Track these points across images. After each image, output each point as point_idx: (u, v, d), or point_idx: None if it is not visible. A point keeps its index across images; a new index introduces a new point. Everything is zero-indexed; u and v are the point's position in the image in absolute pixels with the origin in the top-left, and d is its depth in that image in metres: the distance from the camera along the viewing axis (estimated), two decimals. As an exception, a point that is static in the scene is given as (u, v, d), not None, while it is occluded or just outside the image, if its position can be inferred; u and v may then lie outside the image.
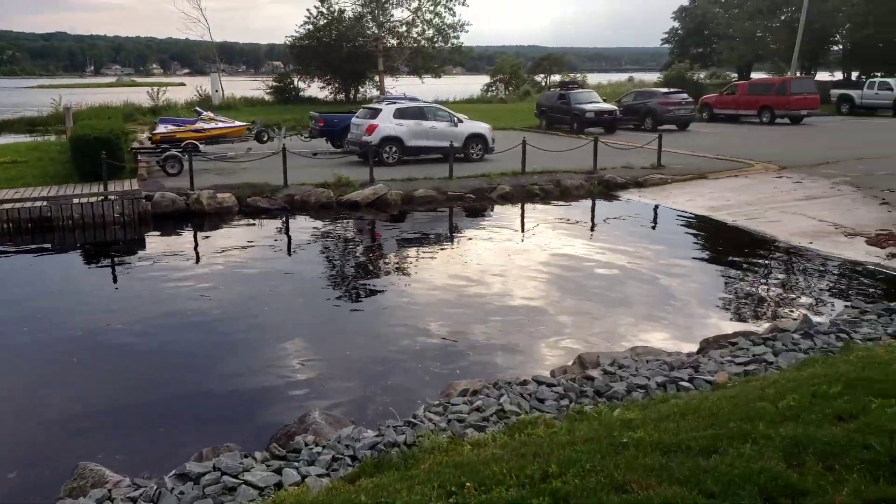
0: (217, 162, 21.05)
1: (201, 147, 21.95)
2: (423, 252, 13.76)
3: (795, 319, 7.65)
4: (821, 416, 3.68)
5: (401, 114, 21.72)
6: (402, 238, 15.04)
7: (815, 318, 7.66)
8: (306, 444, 5.04)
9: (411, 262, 13.11)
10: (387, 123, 21.39)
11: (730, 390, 4.90)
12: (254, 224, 16.10)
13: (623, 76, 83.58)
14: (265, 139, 25.19)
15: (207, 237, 15.18)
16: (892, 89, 37.21)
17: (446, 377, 7.44)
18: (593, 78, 74.70)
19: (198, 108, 24.74)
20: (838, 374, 4.47)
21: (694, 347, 7.35)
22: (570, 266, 12.44)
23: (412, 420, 5.22)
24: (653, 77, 63.32)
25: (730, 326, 8.39)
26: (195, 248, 14.48)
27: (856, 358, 5.27)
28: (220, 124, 23.86)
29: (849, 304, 9.25)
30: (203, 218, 16.22)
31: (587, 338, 8.84)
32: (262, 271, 12.46)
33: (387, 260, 13.54)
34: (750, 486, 2.98)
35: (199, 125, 23.15)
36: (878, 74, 46.78)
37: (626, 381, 5.86)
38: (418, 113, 22.17)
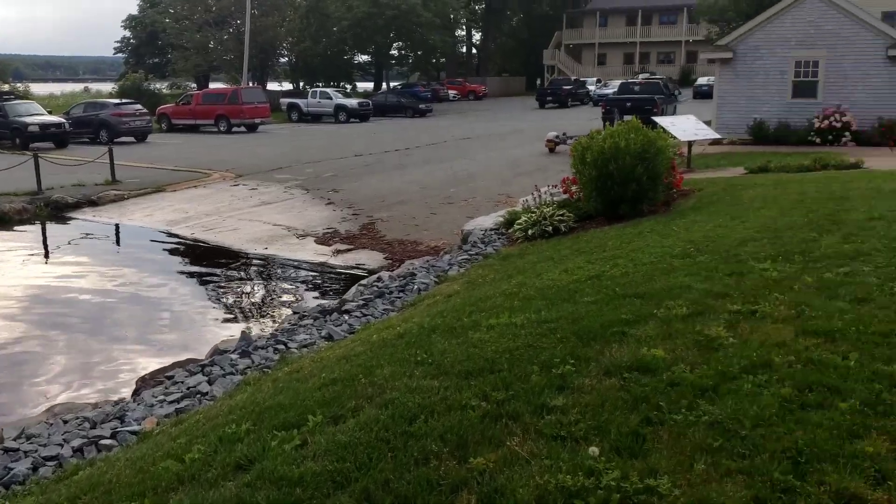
0: None
1: None
2: None
3: (234, 337, 7.34)
4: (221, 470, 3.17)
5: None
6: None
7: (256, 332, 7.50)
8: None
9: None
10: None
11: (150, 441, 4.21)
12: None
13: (79, 86, 78.58)
14: None
15: None
16: (331, 98, 41.44)
17: None
18: (45, 88, 68.84)
19: None
20: (255, 403, 4.12)
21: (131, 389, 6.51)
22: (23, 306, 10.42)
23: None
24: (110, 87, 60.15)
25: (176, 355, 7.70)
26: None
27: (284, 374, 5.07)
28: None
29: (291, 309, 9.39)
30: None
31: (20, 399, 7.30)
32: None
33: None
34: None
35: None
36: (320, 84, 52.02)
37: (33, 455, 4.74)
38: None
